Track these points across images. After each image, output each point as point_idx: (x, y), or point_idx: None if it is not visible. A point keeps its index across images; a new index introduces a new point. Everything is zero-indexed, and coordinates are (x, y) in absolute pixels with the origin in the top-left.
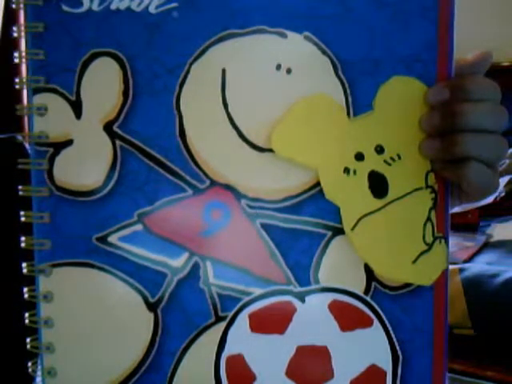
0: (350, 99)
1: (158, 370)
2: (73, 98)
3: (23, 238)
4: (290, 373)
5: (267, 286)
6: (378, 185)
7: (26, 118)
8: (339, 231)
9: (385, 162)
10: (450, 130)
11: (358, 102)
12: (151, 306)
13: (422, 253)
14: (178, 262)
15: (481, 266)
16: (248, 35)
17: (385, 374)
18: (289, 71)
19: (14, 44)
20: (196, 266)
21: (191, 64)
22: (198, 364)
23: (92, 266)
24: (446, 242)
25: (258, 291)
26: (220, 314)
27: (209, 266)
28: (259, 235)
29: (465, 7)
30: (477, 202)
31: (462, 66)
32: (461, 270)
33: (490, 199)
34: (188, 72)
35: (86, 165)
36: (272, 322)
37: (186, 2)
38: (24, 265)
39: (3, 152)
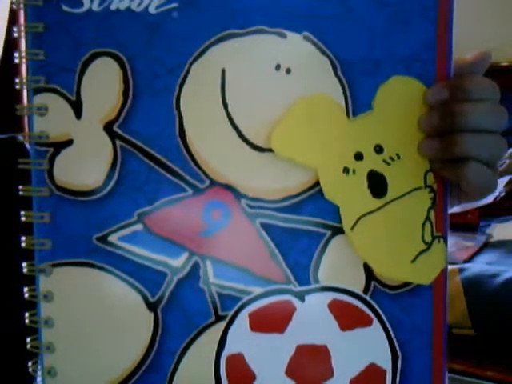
0: (349, 99)
1: (157, 369)
2: (73, 98)
3: (23, 238)
4: (289, 372)
5: (267, 286)
6: (377, 184)
7: (26, 118)
8: (339, 231)
9: (384, 161)
10: (449, 130)
11: (358, 102)
12: (151, 306)
13: (421, 252)
14: (178, 262)
15: (481, 266)
16: (248, 35)
17: (384, 372)
18: (288, 71)
19: (14, 44)
20: (196, 266)
21: (191, 64)
22: (198, 364)
23: (92, 266)
24: (445, 242)
25: (257, 290)
26: (220, 313)
27: (209, 265)
28: (259, 235)
29: (464, 7)
30: (476, 202)
31: (462, 66)
32: (461, 270)
33: (489, 199)
34: (188, 72)
35: (87, 165)
36: (272, 321)
37: (186, 3)
38: (24, 264)
39: (3, 152)
